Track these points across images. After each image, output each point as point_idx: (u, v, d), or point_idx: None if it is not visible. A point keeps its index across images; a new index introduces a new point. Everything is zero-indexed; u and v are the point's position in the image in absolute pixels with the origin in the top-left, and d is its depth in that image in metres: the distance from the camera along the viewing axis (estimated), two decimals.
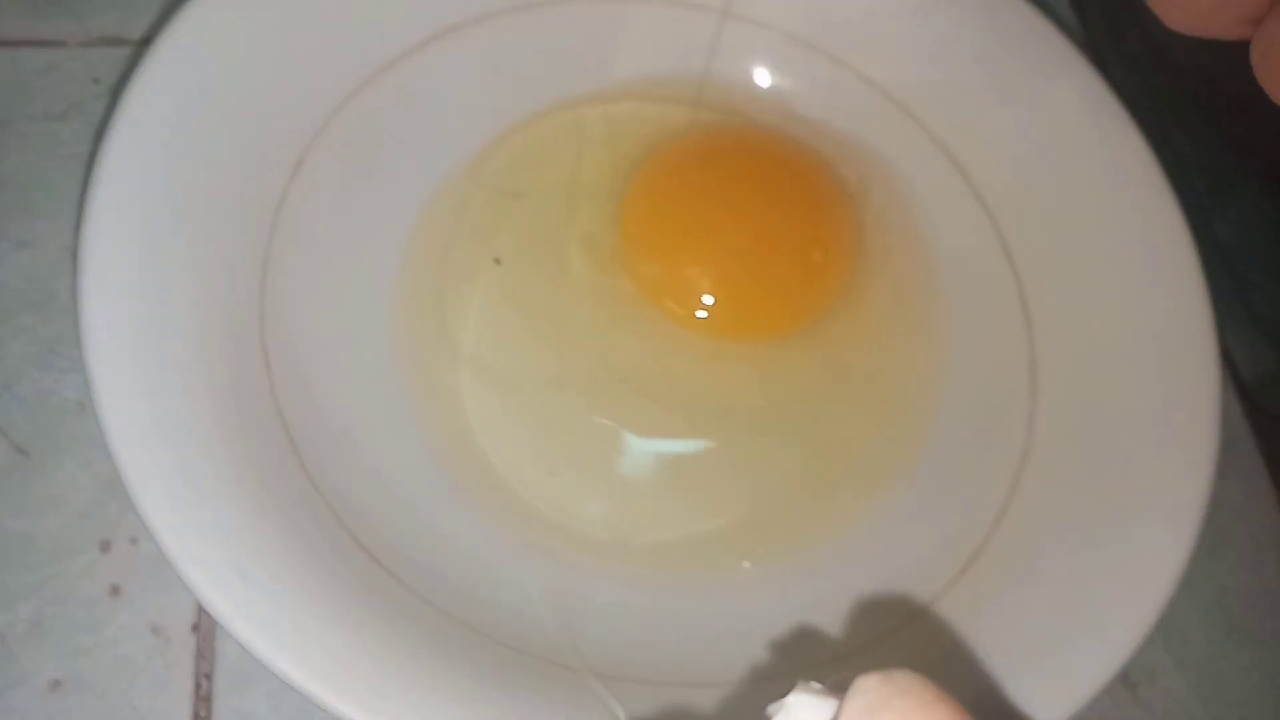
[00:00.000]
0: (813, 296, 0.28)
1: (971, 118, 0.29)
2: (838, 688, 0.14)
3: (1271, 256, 0.34)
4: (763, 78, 0.30)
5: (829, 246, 0.28)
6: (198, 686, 0.23)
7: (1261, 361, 0.33)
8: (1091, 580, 0.23)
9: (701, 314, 0.27)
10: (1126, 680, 0.26)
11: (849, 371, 0.27)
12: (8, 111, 0.28)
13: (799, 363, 0.27)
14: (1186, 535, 0.23)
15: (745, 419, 0.26)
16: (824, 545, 0.25)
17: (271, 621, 0.18)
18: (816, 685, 0.14)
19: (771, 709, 0.14)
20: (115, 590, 0.23)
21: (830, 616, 0.23)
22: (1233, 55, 0.34)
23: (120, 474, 0.20)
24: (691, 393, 0.26)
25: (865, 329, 0.28)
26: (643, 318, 0.27)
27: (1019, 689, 0.21)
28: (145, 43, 0.29)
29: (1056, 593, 0.23)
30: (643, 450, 0.26)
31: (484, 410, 0.26)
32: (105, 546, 0.24)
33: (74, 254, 0.26)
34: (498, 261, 0.28)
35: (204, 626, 0.23)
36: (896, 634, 0.23)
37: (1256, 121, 0.34)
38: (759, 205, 0.28)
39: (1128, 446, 0.25)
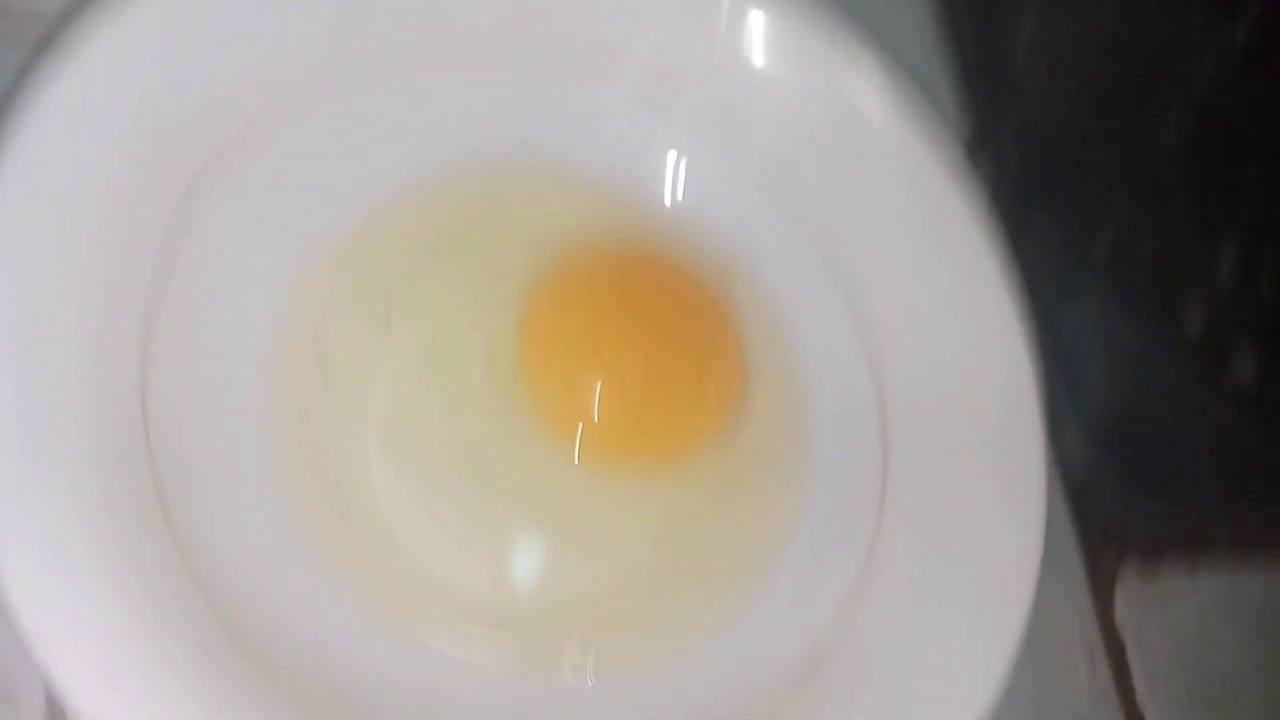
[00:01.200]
0: (699, 438, 0.29)
1: (845, 222, 0.31)
2: None
3: (1105, 360, 0.36)
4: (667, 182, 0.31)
5: (719, 391, 0.29)
6: None
7: (1090, 465, 0.36)
8: (918, 690, 0.25)
9: (588, 447, 0.28)
10: None
11: (716, 491, 0.29)
12: None
13: (673, 486, 0.29)
14: (1008, 644, 0.26)
15: (603, 531, 0.28)
16: (668, 654, 0.26)
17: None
18: None
19: None
20: None
21: None
22: (1110, 125, 0.37)
23: None
24: (562, 499, 0.28)
25: (737, 455, 0.29)
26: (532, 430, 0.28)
27: None
28: None
29: (887, 700, 0.25)
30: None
31: (382, 478, 0.26)
32: None
33: None
34: (389, 328, 0.28)
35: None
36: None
37: (1108, 206, 0.37)
38: (656, 338, 0.29)
39: (960, 550, 0.27)
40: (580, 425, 0.28)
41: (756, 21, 0.30)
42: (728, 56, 0.31)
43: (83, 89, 0.23)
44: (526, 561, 0.28)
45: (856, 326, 0.31)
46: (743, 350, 0.30)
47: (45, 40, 0.28)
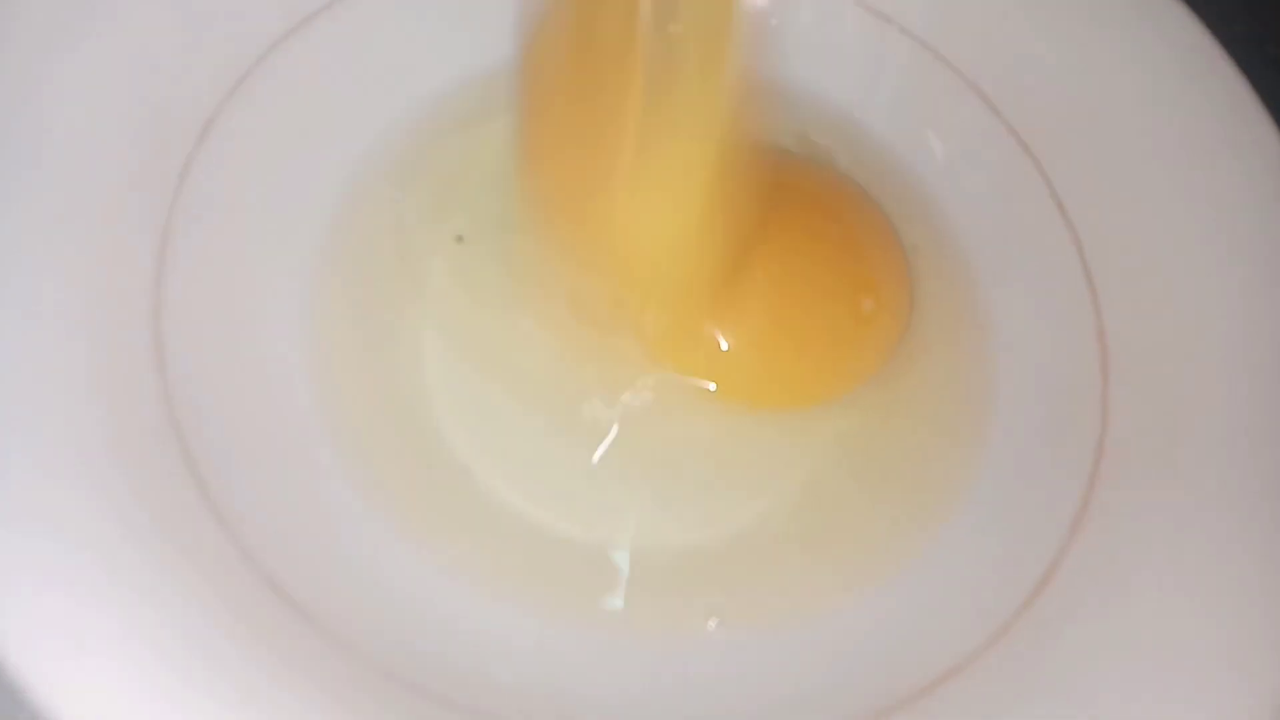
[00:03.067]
0: (861, 364, 0.24)
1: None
2: None
3: None
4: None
5: (874, 313, 0.24)
6: None
7: None
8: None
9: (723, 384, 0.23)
10: None
11: (887, 421, 0.23)
12: None
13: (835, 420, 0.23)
14: None
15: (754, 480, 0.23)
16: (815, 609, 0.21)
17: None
18: None
19: None
20: None
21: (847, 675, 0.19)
22: None
23: None
24: (692, 453, 0.23)
25: (911, 383, 0.24)
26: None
27: None
28: None
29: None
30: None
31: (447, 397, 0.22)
32: None
33: None
34: (460, 240, 0.24)
35: None
36: (942, 685, 0.19)
37: None
38: (801, 259, 0.24)
39: (1213, 454, 0.21)
40: (706, 376, 0.23)
41: None
42: None
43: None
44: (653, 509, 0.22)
45: (1055, 201, 0.25)
46: (902, 257, 0.25)
47: None
